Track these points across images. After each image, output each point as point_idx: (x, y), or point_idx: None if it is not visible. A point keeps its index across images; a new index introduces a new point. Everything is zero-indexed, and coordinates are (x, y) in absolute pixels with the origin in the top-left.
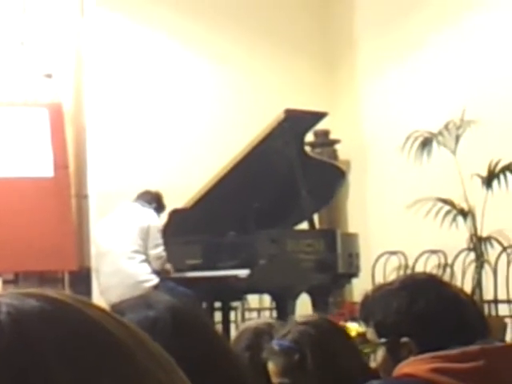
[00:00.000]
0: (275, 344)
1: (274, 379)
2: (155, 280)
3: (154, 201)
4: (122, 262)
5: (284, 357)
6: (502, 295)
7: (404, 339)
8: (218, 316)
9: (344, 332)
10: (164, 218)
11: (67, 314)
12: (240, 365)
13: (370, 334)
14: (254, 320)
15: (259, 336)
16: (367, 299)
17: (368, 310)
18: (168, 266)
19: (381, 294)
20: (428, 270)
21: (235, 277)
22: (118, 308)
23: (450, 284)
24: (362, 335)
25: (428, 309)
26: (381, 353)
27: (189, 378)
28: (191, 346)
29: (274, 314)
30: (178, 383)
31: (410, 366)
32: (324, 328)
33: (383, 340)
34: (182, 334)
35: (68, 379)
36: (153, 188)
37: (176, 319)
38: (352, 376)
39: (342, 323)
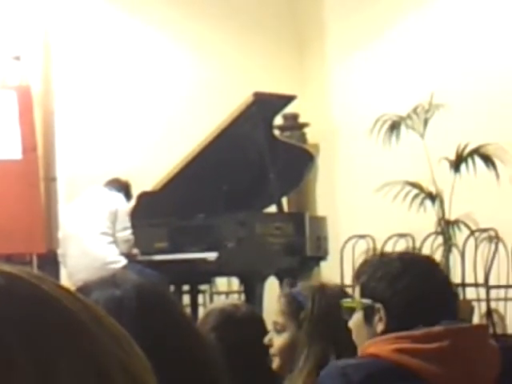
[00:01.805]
0: (292, 290)
1: (273, 318)
2: (123, 262)
3: (123, 189)
4: (90, 243)
5: (287, 300)
6: (469, 279)
7: (378, 305)
8: (186, 299)
9: None
10: (132, 200)
11: (23, 288)
12: (206, 345)
13: (356, 293)
14: (220, 301)
15: (225, 317)
16: (364, 261)
17: (360, 270)
18: (135, 250)
19: (376, 260)
20: None
21: (203, 260)
22: (85, 286)
23: (442, 270)
24: None
25: (409, 286)
26: (357, 315)
27: (154, 357)
28: (157, 325)
29: (243, 297)
30: (137, 362)
31: (375, 345)
32: (337, 297)
33: (362, 300)
34: (147, 313)
35: (26, 357)
36: (121, 171)
37: (142, 298)
38: (339, 347)
39: None
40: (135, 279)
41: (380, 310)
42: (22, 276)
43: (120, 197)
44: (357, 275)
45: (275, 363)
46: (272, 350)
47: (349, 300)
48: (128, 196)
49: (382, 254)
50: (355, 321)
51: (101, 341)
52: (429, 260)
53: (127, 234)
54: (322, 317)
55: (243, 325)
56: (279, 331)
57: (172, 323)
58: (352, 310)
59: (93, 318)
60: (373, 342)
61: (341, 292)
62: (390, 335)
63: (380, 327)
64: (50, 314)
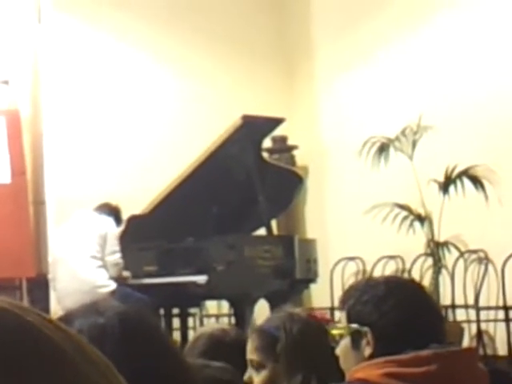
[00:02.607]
0: (261, 324)
1: (248, 356)
2: (112, 286)
3: (113, 213)
4: (79, 267)
5: (260, 336)
6: (459, 300)
7: (365, 328)
8: (176, 322)
9: (325, 333)
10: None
11: (5, 319)
12: (191, 372)
13: (342, 319)
14: (209, 325)
15: (214, 342)
16: (350, 286)
17: (347, 295)
18: (125, 273)
19: (362, 284)
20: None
21: (193, 283)
22: (69, 314)
23: (428, 293)
24: None
25: (396, 308)
26: (345, 341)
27: None
28: (140, 353)
29: (233, 320)
30: None
31: (363, 370)
32: (307, 323)
33: (349, 325)
34: (130, 340)
35: None
36: (110, 195)
37: (125, 325)
38: (320, 373)
39: None
40: (118, 306)
41: (367, 333)
42: (5, 307)
43: (109, 220)
44: (343, 300)
45: None
46: None
47: (335, 326)
48: (118, 220)
49: (368, 279)
50: (342, 347)
51: (83, 371)
52: (414, 283)
53: (116, 257)
54: (297, 344)
55: (232, 350)
56: (257, 368)
57: (156, 350)
58: (339, 337)
59: (76, 347)
60: (361, 366)
61: (309, 317)
62: (379, 360)
63: (368, 351)
64: (32, 344)
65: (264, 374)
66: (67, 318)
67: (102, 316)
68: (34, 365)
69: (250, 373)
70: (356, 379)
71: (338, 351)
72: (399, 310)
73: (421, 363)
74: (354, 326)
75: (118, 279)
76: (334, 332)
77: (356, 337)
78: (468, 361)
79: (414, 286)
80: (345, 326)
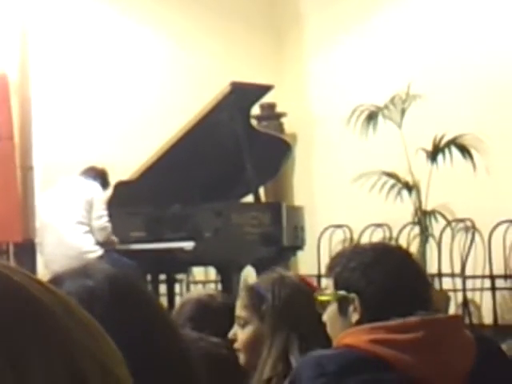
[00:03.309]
0: (253, 283)
1: (236, 312)
2: (99, 251)
3: (99, 177)
4: (66, 233)
5: (249, 294)
6: (445, 269)
7: (352, 295)
8: (162, 288)
9: (313, 298)
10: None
11: None
12: (180, 337)
13: (329, 286)
14: (196, 291)
15: (201, 307)
16: (337, 253)
17: (334, 262)
18: (113, 238)
19: (350, 251)
20: None
21: (180, 249)
22: (57, 277)
23: (415, 260)
24: None
25: (383, 275)
26: (332, 307)
27: (126, 349)
28: (129, 316)
29: (220, 286)
30: (108, 351)
31: (350, 336)
32: (296, 287)
33: (336, 292)
34: (120, 303)
35: None
36: (98, 160)
37: (114, 288)
38: (303, 335)
39: None
40: (107, 269)
41: (354, 300)
42: None
43: (96, 185)
44: (330, 267)
45: (241, 358)
46: (236, 345)
47: (322, 293)
48: (105, 184)
49: (356, 245)
50: (330, 313)
51: (72, 332)
52: (402, 250)
53: (103, 221)
54: (283, 307)
55: (219, 315)
56: (243, 325)
57: (145, 313)
58: (326, 303)
59: (65, 309)
60: (348, 332)
61: (300, 282)
62: (365, 326)
63: (355, 317)
64: (20, 305)
65: (248, 330)
66: (56, 280)
67: (91, 279)
68: (23, 326)
69: (235, 330)
70: (343, 345)
71: (325, 317)
72: (386, 277)
73: (408, 330)
74: (342, 292)
75: (106, 244)
76: (321, 298)
77: (343, 303)
78: (454, 328)
79: (402, 253)
80: (332, 292)
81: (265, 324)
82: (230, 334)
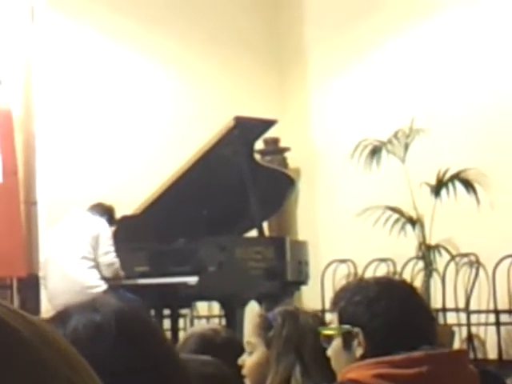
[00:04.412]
0: (267, 312)
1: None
2: (103, 286)
3: (106, 213)
4: (70, 267)
5: (259, 321)
6: (450, 303)
7: (356, 329)
8: (166, 323)
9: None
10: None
11: None
12: (186, 372)
13: (334, 320)
14: (200, 325)
15: (205, 342)
16: (342, 287)
17: (338, 296)
18: (121, 273)
19: (354, 285)
20: None
21: (184, 284)
22: (65, 311)
23: (419, 295)
24: None
25: (387, 309)
26: (336, 341)
27: (134, 382)
28: (136, 351)
29: (223, 321)
30: (86, 379)
31: (355, 371)
32: (307, 317)
33: (341, 326)
34: (127, 339)
35: None
36: (102, 196)
37: (122, 323)
38: (308, 365)
39: None
40: (115, 304)
41: (359, 334)
42: None
43: (102, 221)
44: (334, 301)
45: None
46: (243, 371)
47: (327, 327)
48: (112, 220)
49: (360, 280)
50: (334, 347)
51: (49, 361)
52: (406, 284)
53: (111, 257)
54: (290, 337)
55: (222, 350)
56: (250, 352)
57: (153, 349)
58: (330, 338)
59: (42, 339)
60: (352, 367)
61: (314, 317)
62: (370, 360)
63: (359, 352)
64: None
65: (254, 356)
66: (63, 314)
67: (98, 313)
68: (1, 357)
69: (244, 356)
70: (348, 379)
71: (330, 352)
72: (391, 311)
73: (412, 364)
74: (346, 326)
75: (113, 279)
76: (326, 333)
77: (347, 337)
78: (459, 362)
79: (406, 287)
80: (336, 326)
81: (271, 350)
82: (239, 361)
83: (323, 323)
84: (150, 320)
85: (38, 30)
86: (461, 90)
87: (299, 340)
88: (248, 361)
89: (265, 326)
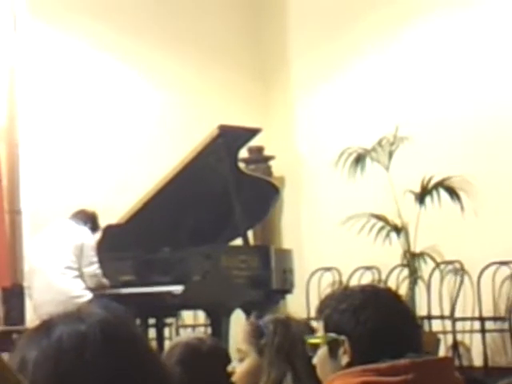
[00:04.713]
0: (258, 320)
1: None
2: (88, 296)
3: (90, 221)
4: (55, 277)
5: (250, 328)
6: (435, 311)
7: (342, 337)
8: (152, 332)
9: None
10: (98, 233)
11: None
12: (172, 379)
13: (319, 328)
14: (185, 334)
15: (190, 351)
16: (328, 296)
17: (324, 304)
18: (104, 281)
19: (339, 293)
20: None
21: (169, 293)
22: (50, 321)
23: (404, 302)
24: None
25: (373, 316)
26: (322, 350)
27: None
28: (122, 360)
29: (209, 330)
30: None
31: (340, 379)
32: (296, 324)
33: (326, 334)
34: (112, 348)
35: None
36: (86, 204)
37: (106, 333)
38: (299, 373)
39: None
40: (100, 313)
41: (344, 342)
42: None
43: (85, 230)
44: (320, 309)
45: None
46: (233, 378)
47: (312, 336)
48: (95, 228)
49: (345, 288)
50: (320, 356)
51: None
52: (391, 292)
53: (94, 268)
54: (282, 345)
55: (208, 358)
56: (241, 359)
57: (137, 358)
58: (316, 346)
59: None
60: (338, 374)
61: (305, 326)
62: (356, 368)
63: (345, 360)
64: None
65: (245, 363)
66: (48, 324)
67: (83, 323)
68: None
69: (234, 363)
70: None
71: (316, 360)
72: (376, 319)
73: (398, 372)
74: (332, 334)
75: (98, 289)
76: (311, 341)
77: (333, 346)
78: (444, 370)
79: (391, 295)
80: (322, 335)
81: (263, 358)
82: (229, 368)
83: (313, 331)
84: (135, 329)
85: (21, 39)
86: (445, 97)
87: (291, 348)
88: (239, 368)
89: (256, 334)
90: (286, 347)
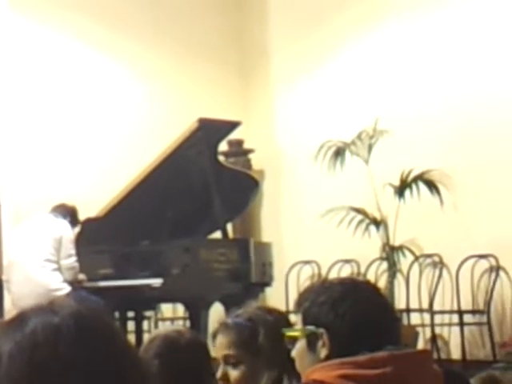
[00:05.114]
0: (229, 319)
1: (220, 352)
2: (67, 289)
3: (69, 215)
4: (34, 270)
5: (236, 330)
6: (413, 304)
7: (321, 330)
8: (131, 326)
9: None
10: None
11: None
12: (147, 373)
13: (298, 321)
14: (164, 327)
15: (169, 343)
16: (307, 288)
17: (302, 297)
18: (81, 276)
19: (318, 286)
20: None
21: (148, 286)
22: (23, 313)
23: (383, 295)
24: None
25: (351, 309)
26: (300, 343)
27: None
28: (96, 352)
29: (188, 323)
30: None
31: (319, 371)
32: (278, 316)
33: (305, 327)
34: (85, 340)
35: None
36: (66, 197)
37: (80, 325)
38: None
39: None
40: (74, 306)
41: (323, 335)
42: None
43: (65, 223)
44: (299, 302)
45: None
46: None
47: (291, 329)
48: (74, 222)
49: (324, 280)
50: (298, 349)
51: None
52: (370, 285)
53: (71, 261)
54: (277, 340)
55: (187, 351)
56: (234, 364)
57: (112, 351)
58: (295, 339)
59: None
60: (317, 367)
61: (284, 316)
62: (334, 361)
63: (323, 353)
64: None
65: (243, 368)
66: (21, 317)
67: (56, 315)
68: None
69: (223, 370)
70: (312, 380)
71: (294, 353)
72: (355, 312)
73: (376, 365)
74: (310, 327)
75: (74, 282)
76: (290, 334)
77: (312, 339)
78: (423, 363)
79: (370, 288)
80: (301, 328)
81: (261, 358)
82: (219, 375)
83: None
84: (110, 322)
85: (1, 33)
86: (424, 91)
87: (284, 344)
88: (234, 374)
89: (246, 335)
90: (280, 341)
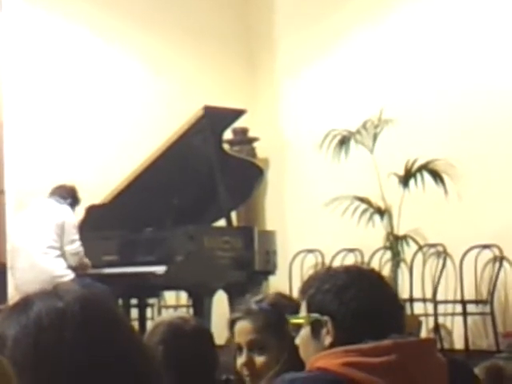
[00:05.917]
0: (253, 305)
1: (243, 338)
2: (71, 275)
3: (69, 195)
4: (37, 257)
5: (262, 315)
6: (417, 294)
7: (325, 317)
8: (134, 313)
9: None
10: (81, 213)
11: None
12: (151, 358)
13: (302, 309)
14: (168, 314)
15: (173, 330)
16: (311, 276)
17: (307, 284)
18: (86, 261)
19: (323, 273)
20: None
21: (152, 273)
22: (28, 298)
23: (388, 283)
24: None
25: (356, 297)
26: (305, 330)
27: (99, 369)
28: (100, 337)
29: (191, 311)
30: None
31: (323, 359)
32: (297, 302)
33: (309, 315)
34: (90, 325)
35: None
36: (71, 184)
37: (84, 310)
38: None
39: None
40: (78, 291)
41: (327, 322)
42: None
43: (66, 209)
44: (303, 290)
45: None
46: (256, 372)
47: (295, 316)
48: (75, 201)
49: (328, 268)
50: (302, 336)
51: None
52: (375, 273)
53: (75, 246)
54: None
55: (191, 338)
56: (261, 349)
57: (116, 334)
58: (299, 327)
59: None
60: (321, 355)
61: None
62: (339, 349)
63: (328, 340)
64: None
65: (269, 353)
66: (26, 301)
67: (61, 300)
68: None
69: (246, 357)
70: (316, 368)
71: (298, 341)
72: (359, 300)
73: (380, 353)
74: (315, 315)
75: (79, 268)
76: (294, 321)
77: (316, 326)
78: (427, 351)
79: (375, 276)
80: (305, 315)
81: (286, 343)
82: (244, 360)
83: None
84: (114, 307)
85: (6, 19)
86: (430, 80)
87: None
88: (261, 360)
89: (274, 319)
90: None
